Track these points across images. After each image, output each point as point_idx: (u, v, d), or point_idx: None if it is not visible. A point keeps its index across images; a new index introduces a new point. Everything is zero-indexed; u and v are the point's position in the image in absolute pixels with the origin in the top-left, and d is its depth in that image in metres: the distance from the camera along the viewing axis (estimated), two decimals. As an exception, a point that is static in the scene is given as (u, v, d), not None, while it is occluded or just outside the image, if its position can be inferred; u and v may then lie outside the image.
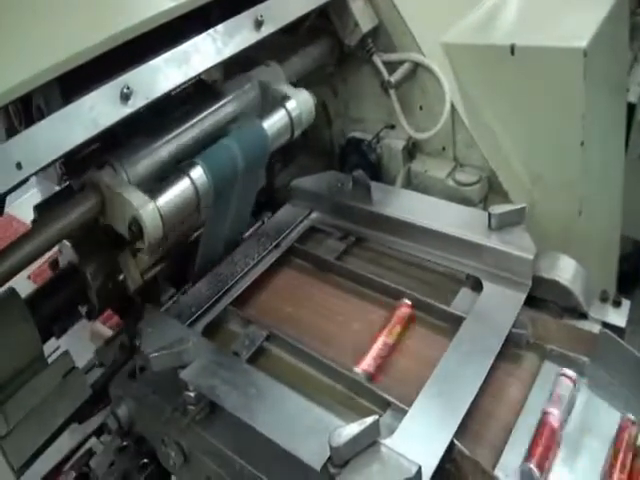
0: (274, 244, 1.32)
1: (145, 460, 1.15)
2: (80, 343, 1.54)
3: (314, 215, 1.38)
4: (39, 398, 1.05)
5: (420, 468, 0.77)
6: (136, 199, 0.98)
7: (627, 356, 0.91)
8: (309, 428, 0.86)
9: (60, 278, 1.23)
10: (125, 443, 1.17)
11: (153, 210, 0.98)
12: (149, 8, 0.98)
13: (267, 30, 1.17)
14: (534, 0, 1.58)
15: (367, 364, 1.01)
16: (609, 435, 0.86)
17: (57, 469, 1.25)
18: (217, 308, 1.19)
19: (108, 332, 1.53)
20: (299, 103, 1.22)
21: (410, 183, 1.48)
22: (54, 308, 1.21)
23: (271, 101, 1.22)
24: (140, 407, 1.07)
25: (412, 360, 1.02)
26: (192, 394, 0.97)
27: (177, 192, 1.03)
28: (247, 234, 1.37)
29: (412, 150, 1.48)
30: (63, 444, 1.21)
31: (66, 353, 1.13)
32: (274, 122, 1.19)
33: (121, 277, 1.24)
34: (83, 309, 1.27)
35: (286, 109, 1.21)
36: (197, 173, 1.06)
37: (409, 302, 1.10)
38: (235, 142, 1.12)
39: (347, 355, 1.05)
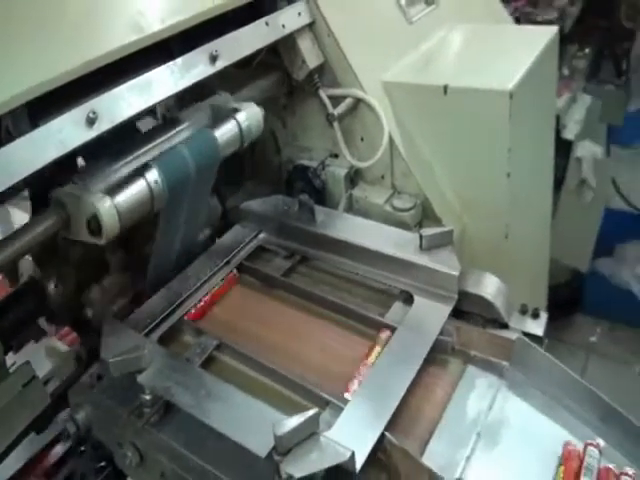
0: (225, 261, 1.40)
1: (102, 463, 1.21)
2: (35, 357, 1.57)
3: (262, 235, 1.47)
4: (-1, 406, 1.09)
5: (354, 453, 0.85)
6: (94, 197, 1.05)
7: (541, 359, 1.03)
8: (255, 422, 0.94)
9: (21, 292, 1.29)
10: (83, 448, 1.22)
11: (110, 207, 1.05)
12: (116, 38, 1.06)
13: (221, 64, 1.26)
14: (469, 45, 1.72)
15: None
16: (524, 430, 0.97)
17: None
18: (171, 320, 1.25)
19: (64, 347, 1.57)
20: (248, 115, 1.29)
21: (352, 208, 1.58)
22: (13, 321, 1.26)
23: (222, 118, 1.29)
24: (98, 412, 1.12)
25: (350, 366, 1.11)
26: (148, 397, 1.04)
27: (134, 192, 1.10)
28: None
29: (354, 177, 1.59)
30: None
31: (27, 363, 1.16)
32: (224, 132, 1.26)
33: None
34: (43, 323, 1.33)
35: (236, 120, 1.28)
36: (152, 175, 1.12)
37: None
38: (187, 148, 1.19)
39: (291, 361, 1.13)
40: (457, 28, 1.80)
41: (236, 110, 1.30)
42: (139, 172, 1.13)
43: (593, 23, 3.29)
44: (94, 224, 1.05)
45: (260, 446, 0.89)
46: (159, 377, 1.05)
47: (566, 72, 2.97)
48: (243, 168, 1.79)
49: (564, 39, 3.06)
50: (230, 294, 1.35)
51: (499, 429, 0.96)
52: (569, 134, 2.74)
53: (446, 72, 1.56)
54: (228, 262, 1.41)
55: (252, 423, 0.95)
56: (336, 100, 1.53)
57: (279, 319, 1.27)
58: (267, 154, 1.75)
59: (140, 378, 1.04)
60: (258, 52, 1.39)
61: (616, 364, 0.99)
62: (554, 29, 1.74)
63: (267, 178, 1.77)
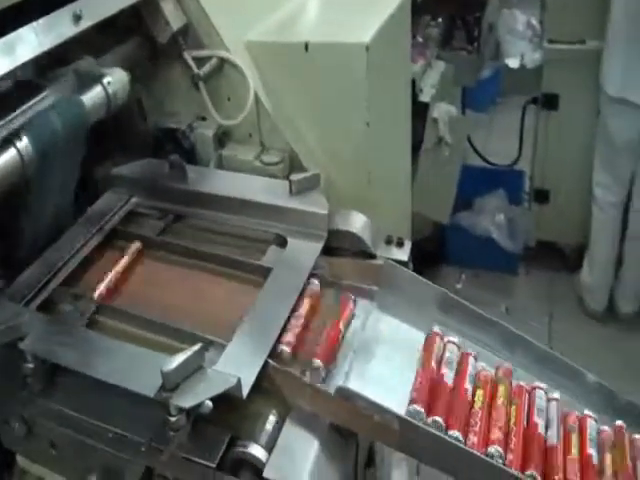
0: (97, 228, 1.39)
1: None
2: None
3: (134, 199, 1.46)
4: None
5: (240, 379, 0.89)
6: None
7: (407, 279, 1.10)
8: (143, 368, 0.95)
9: None
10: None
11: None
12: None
13: (85, 24, 1.23)
14: (328, 4, 1.77)
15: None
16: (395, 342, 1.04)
17: None
18: (48, 289, 1.23)
19: None
20: (115, 80, 1.29)
21: (222, 167, 1.59)
22: None
23: (88, 84, 1.28)
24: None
25: (235, 311, 1.12)
26: (31, 365, 1.02)
27: (6, 158, 1.09)
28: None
29: (222, 138, 1.60)
30: None
31: None
32: (91, 97, 1.25)
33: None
34: None
35: (103, 85, 1.27)
36: (21, 142, 1.11)
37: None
38: (55, 113, 1.18)
39: (177, 316, 1.14)
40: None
41: (102, 75, 1.29)
42: (8, 139, 1.11)
43: (446, -7, 3.43)
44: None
45: (148, 387, 0.91)
46: (41, 342, 1.04)
47: (420, 39, 3.09)
48: (110, 138, 1.76)
49: (418, 9, 3.19)
50: (105, 259, 1.34)
51: (372, 344, 1.03)
52: (425, 97, 2.86)
53: (307, 30, 1.61)
54: (101, 228, 1.39)
55: (139, 369, 0.97)
56: (201, 62, 1.53)
57: (159, 278, 1.28)
58: (134, 123, 1.72)
59: (22, 345, 1.02)
60: (122, 13, 1.37)
61: (483, 306, 1.08)
62: (408, -13, 1.83)
63: (135, 147, 1.75)
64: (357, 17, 1.62)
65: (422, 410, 0.93)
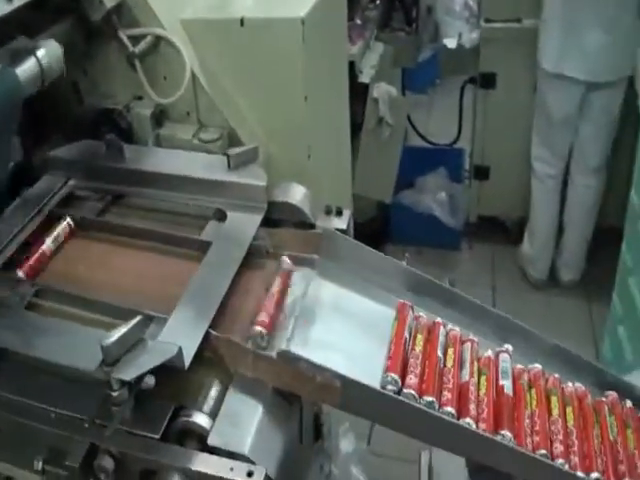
0: (35, 211, 1.35)
1: None
2: None
3: (72, 182, 1.43)
4: None
5: (180, 348, 0.88)
6: None
7: (346, 246, 1.11)
8: (84, 345, 0.94)
9: None
10: None
11: None
12: None
13: (18, 2, 1.20)
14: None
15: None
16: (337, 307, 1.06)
17: None
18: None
19: None
20: (48, 51, 1.25)
21: (160, 147, 1.57)
22: None
23: (21, 56, 1.24)
24: None
25: (179, 286, 1.10)
26: (-33, 352, 1.00)
27: None
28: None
29: (160, 117, 1.57)
30: None
31: None
32: (25, 69, 1.21)
33: None
34: None
35: (36, 57, 1.23)
36: None
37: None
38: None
39: (120, 296, 1.11)
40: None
41: (35, 48, 1.25)
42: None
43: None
44: None
45: (89, 362, 0.89)
46: (-21, 326, 1.01)
47: (359, 22, 3.09)
48: (48, 122, 1.72)
49: (357, -9, 3.18)
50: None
51: (314, 310, 1.03)
52: (365, 78, 2.87)
53: (242, 6, 1.58)
54: (39, 212, 1.36)
55: (80, 346, 0.95)
56: (136, 40, 1.50)
57: (99, 258, 1.25)
58: (70, 106, 1.68)
59: None
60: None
61: (426, 281, 1.12)
62: (341, -34, 1.83)
63: (73, 130, 1.71)
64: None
65: (397, 378, 0.95)
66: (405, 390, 0.93)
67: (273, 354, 0.91)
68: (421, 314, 1.08)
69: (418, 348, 1.00)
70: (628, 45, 2.79)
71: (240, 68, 1.55)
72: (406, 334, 1.02)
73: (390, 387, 0.93)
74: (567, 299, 3.30)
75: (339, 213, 1.19)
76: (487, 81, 3.28)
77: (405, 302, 1.07)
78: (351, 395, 0.88)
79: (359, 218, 3.18)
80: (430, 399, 0.93)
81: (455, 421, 0.93)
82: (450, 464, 1.17)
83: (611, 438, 1.03)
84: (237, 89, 1.56)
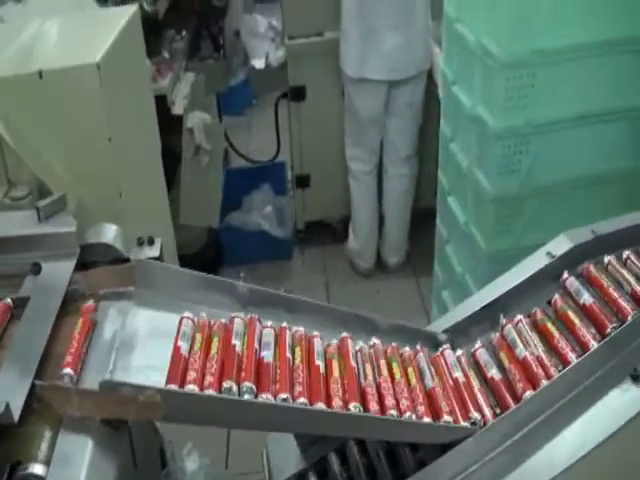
0: None
1: None
2: None
3: None
4: None
5: (8, 404, 0.87)
6: None
7: (161, 272, 1.14)
8: None
9: None
10: None
11: None
12: None
13: None
14: (59, 33, 1.75)
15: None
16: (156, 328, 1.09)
17: None
18: None
19: None
20: None
21: (-28, 211, 1.51)
22: None
23: None
24: None
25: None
26: None
27: None
28: None
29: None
30: None
31: None
32: None
33: None
34: None
35: None
36: None
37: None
38: None
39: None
40: (48, 20, 1.82)
41: None
42: None
43: (187, 7, 3.46)
44: None
45: None
46: None
47: (167, 55, 3.09)
48: None
49: (161, 26, 3.18)
50: None
51: (133, 339, 1.05)
52: (178, 109, 2.88)
53: (39, 59, 1.59)
54: None
55: None
56: None
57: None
58: None
59: None
60: None
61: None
62: (134, 7, 1.88)
63: None
64: (88, 39, 1.65)
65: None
66: (225, 385, 0.98)
67: (96, 388, 0.92)
68: (269, 323, 1.13)
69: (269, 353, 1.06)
70: (424, 43, 3.01)
71: (43, 119, 1.55)
72: (256, 345, 1.07)
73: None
74: (396, 281, 3.50)
75: (151, 242, 1.22)
76: (297, 94, 3.40)
77: (252, 316, 1.12)
78: (172, 405, 0.91)
79: (192, 248, 3.20)
80: (249, 385, 0.99)
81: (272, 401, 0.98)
82: (282, 449, 1.23)
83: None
84: (42, 141, 1.55)
